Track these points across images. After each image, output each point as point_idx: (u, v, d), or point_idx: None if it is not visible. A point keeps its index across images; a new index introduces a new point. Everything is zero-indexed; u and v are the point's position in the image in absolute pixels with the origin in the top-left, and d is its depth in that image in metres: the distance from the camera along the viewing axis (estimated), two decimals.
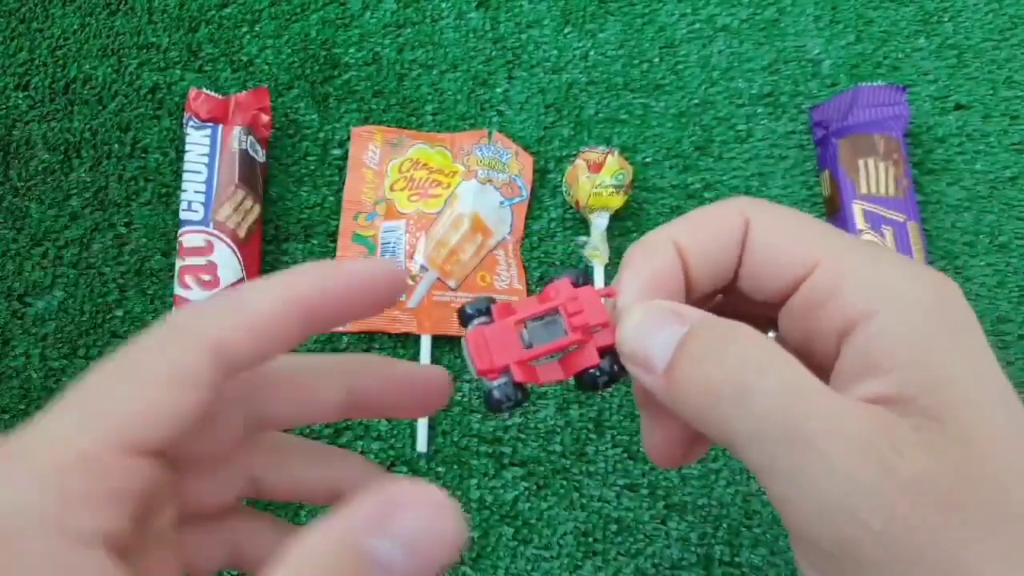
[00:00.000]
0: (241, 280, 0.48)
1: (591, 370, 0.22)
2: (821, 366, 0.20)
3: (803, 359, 0.19)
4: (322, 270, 0.19)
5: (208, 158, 0.50)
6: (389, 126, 0.54)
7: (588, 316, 0.22)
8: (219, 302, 0.18)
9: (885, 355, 0.18)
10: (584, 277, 0.23)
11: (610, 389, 0.21)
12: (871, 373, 0.18)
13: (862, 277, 0.19)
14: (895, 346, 0.18)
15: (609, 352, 0.22)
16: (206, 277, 0.48)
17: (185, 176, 0.49)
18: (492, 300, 0.23)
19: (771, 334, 0.24)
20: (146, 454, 0.16)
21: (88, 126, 0.54)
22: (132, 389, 0.16)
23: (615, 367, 0.22)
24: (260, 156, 0.51)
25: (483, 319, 0.23)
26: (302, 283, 0.19)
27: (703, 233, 0.22)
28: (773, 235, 0.21)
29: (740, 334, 0.19)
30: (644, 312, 0.21)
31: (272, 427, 0.21)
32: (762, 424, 0.18)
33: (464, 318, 0.23)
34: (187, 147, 0.50)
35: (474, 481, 0.47)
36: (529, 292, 0.51)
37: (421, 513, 0.15)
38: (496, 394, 0.22)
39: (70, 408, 0.16)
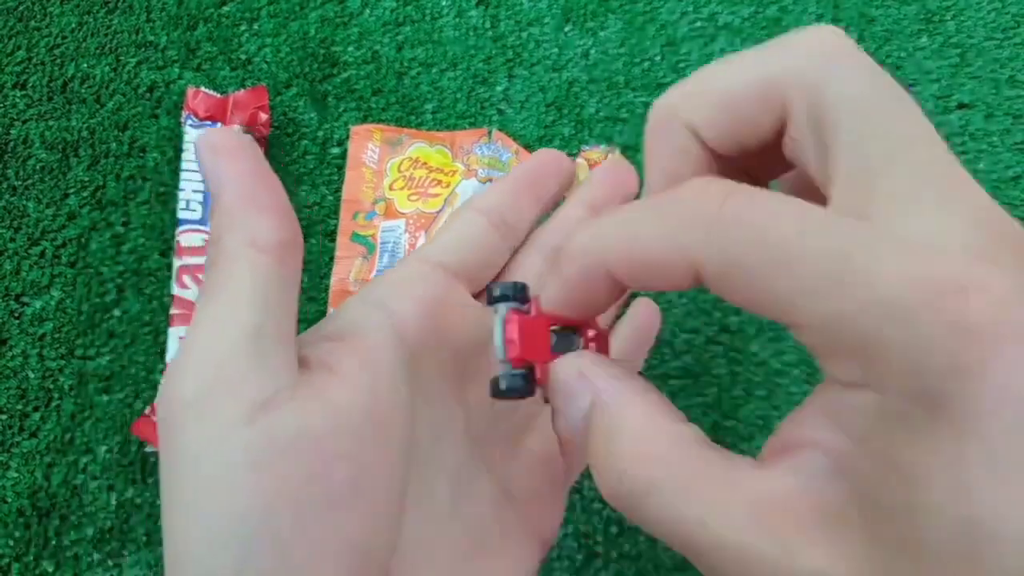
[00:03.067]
0: None
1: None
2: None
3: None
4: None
5: None
6: (388, 125, 0.53)
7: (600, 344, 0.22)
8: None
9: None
10: (517, 292, 0.23)
11: None
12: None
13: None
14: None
15: None
16: (205, 277, 0.47)
17: (183, 175, 0.49)
18: (526, 287, 0.23)
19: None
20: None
21: (86, 125, 0.53)
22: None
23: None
24: None
25: (515, 304, 0.22)
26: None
27: (724, 121, 0.21)
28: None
29: (626, 421, 0.18)
30: (554, 379, 0.20)
31: None
32: (659, 534, 0.17)
33: (492, 296, 0.22)
34: (185, 146, 0.50)
35: None
36: None
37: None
38: (509, 383, 0.21)
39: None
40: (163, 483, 0.20)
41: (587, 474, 0.47)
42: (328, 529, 0.20)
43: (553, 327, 0.22)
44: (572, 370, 0.20)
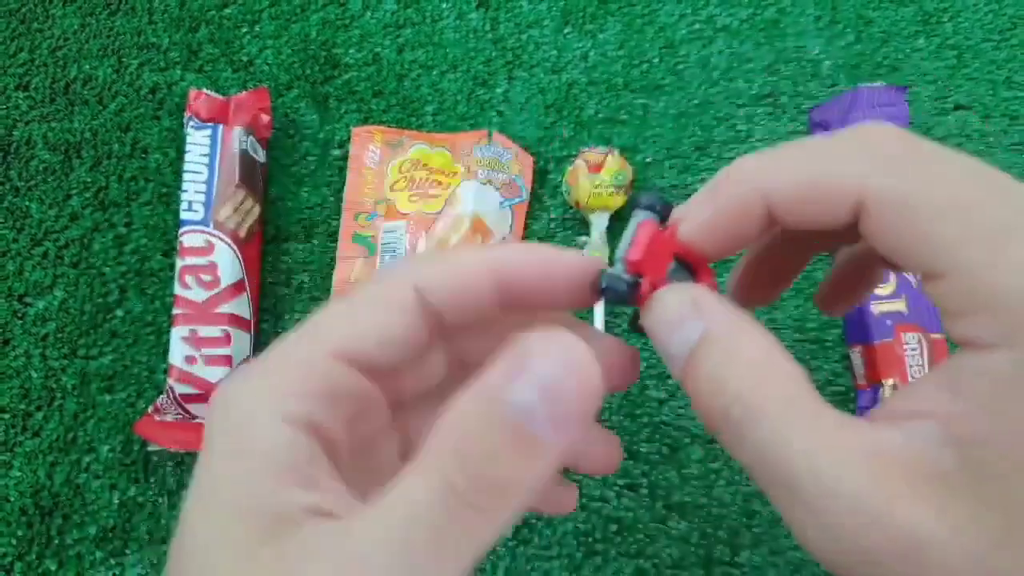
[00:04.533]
0: (241, 281, 0.48)
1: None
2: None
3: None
4: (526, 248, 0.21)
5: (208, 158, 0.50)
6: (389, 126, 0.54)
7: (708, 278, 0.22)
8: (425, 256, 0.22)
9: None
10: (663, 207, 0.22)
11: None
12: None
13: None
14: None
15: None
16: (206, 277, 0.48)
17: (185, 176, 0.50)
18: (671, 207, 0.22)
19: None
20: (351, 362, 0.19)
21: (88, 126, 0.54)
22: (348, 312, 0.20)
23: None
24: (260, 156, 0.51)
25: (655, 218, 0.22)
26: (502, 253, 0.21)
27: (799, 204, 0.20)
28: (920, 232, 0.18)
29: (743, 352, 0.18)
30: (663, 304, 0.20)
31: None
32: (756, 463, 0.17)
33: (639, 203, 0.22)
34: (187, 147, 0.50)
35: None
36: None
37: (550, 358, 0.15)
38: (613, 283, 0.21)
39: (299, 331, 0.20)
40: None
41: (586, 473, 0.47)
42: None
43: (679, 258, 0.22)
44: (686, 298, 0.20)
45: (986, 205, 0.17)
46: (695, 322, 0.19)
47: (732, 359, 0.18)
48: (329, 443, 0.18)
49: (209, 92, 0.51)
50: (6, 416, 0.49)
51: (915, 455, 0.16)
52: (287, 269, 0.51)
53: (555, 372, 0.15)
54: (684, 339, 0.19)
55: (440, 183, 0.52)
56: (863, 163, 0.18)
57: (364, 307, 0.20)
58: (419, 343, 0.20)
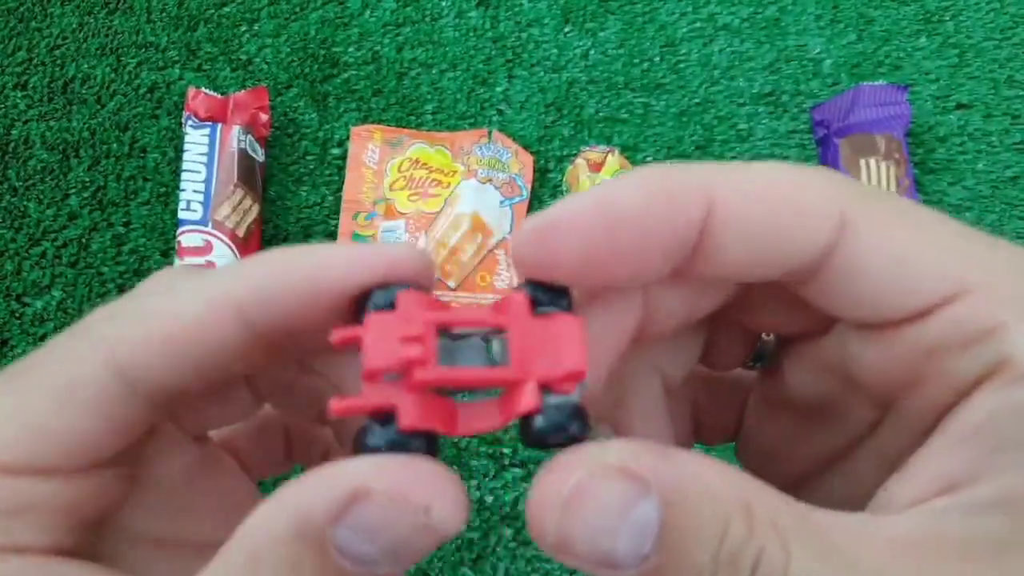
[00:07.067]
0: None
1: (534, 417, 0.14)
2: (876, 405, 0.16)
3: (842, 394, 0.15)
4: (285, 257, 0.15)
5: (207, 157, 0.49)
6: (388, 125, 0.53)
7: (556, 358, 0.14)
8: (130, 304, 0.15)
9: None
10: (561, 298, 0.15)
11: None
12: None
13: None
14: None
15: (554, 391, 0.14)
16: None
17: (184, 175, 0.49)
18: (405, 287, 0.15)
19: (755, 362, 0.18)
20: (21, 474, 0.14)
21: (87, 125, 0.53)
22: (15, 404, 0.15)
23: (573, 421, 0.14)
24: (259, 155, 0.51)
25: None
26: (250, 276, 0.15)
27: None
28: (892, 241, 0.14)
29: (725, 491, 0.13)
30: (588, 501, 0.13)
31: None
32: None
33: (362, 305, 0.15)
34: (186, 146, 0.50)
35: (474, 482, 0.47)
36: None
37: (384, 504, 0.12)
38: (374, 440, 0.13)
39: None
40: None
41: None
42: None
43: (464, 328, 0.15)
44: (602, 485, 0.13)
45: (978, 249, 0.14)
46: (647, 500, 0.12)
47: (720, 514, 0.13)
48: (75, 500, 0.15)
49: (208, 91, 0.51)
50: None
51: (961, 531, 0.13)
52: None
53: (389, 519, 0.12)
54: (636, 530, 0.13)
55: (440, 182, 0.52)
56: (839, 191, 0.14)
57: (34, 404, 0.14)
58: (134, 427, 0.15)
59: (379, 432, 0.13)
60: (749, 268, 0.15)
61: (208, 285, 0.15)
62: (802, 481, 0.18)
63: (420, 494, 0.12)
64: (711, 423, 0.20)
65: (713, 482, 0.13)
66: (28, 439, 0.14)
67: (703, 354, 0.19)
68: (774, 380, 0.18)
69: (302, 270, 0.15)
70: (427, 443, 0.13)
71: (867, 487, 0.15)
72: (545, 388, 0.14)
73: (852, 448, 0.17)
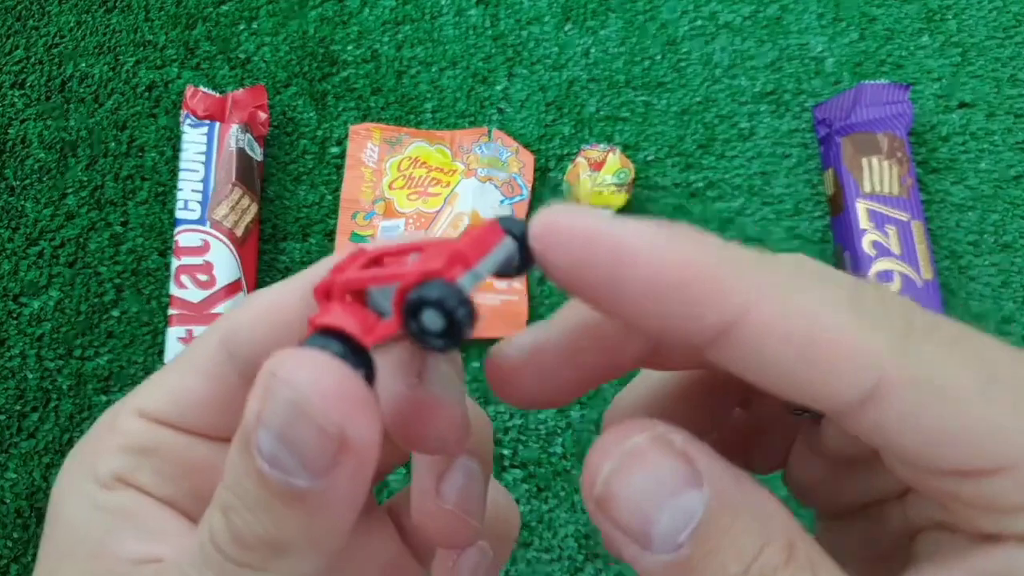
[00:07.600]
0: (238, 281, 0.48)
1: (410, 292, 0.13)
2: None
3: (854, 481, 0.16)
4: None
5: (205, 156, 0.49)
6: (388, 124, 0.53)
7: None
8: (242, 301, 0.19)
9: None
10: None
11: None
12: None
13: None
14: None
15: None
16: (203, 277, 0.47)
17: (182, 175, 0.49)
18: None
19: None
20: (151, 419, 0.18)
21: (84, 124, 0.53)
22: (159, 376, 0.19)
23: (448, 295, 0.13)
24: (257, 154, 0.51)
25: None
26: (314, 273, 0.17)
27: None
28: (937, 404, 0.13)
29: (773, 520, 0.13)
30: (643, 465, 0.13)
31: None
32: None
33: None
34: (184, 145, 0.50)
35: None
36: (530, 291, 0.50)
37: (286, 406, 0.12)
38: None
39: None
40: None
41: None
42: None
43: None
44: (661, 465, 0.13)
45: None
46: (689, 492, 0.13)
47: (760, 525, 0.13)
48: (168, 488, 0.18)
49: (206, 90, 0.50)
50: (1, 417, 0.48)
51: None
52: (284, 269, 0.51)
53: (286, 414, 0.12)
54: (677, 516, 0.13)
55: (439, 181, 0.51)
56: (885, 342, 0.13)
57: (172, 370, 0.18)
58: (236, 398, 0.17)
59: (315, 339, 0.14)
60: (767, 387, 0.13)
61: (297, 277, 0.18)
62: (838, 516, 0.19)
63: (323, 402, 0.12)
64: (761, 457, 0.20)
65: (768, 510, 0.13)
66: (161, 396, 0.18)
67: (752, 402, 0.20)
68: (815, 431, 0.18)
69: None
70: (357, 359, 0.13)
71: (895, 537, 0.16)
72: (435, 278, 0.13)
73: (884, 502, 0.17)
